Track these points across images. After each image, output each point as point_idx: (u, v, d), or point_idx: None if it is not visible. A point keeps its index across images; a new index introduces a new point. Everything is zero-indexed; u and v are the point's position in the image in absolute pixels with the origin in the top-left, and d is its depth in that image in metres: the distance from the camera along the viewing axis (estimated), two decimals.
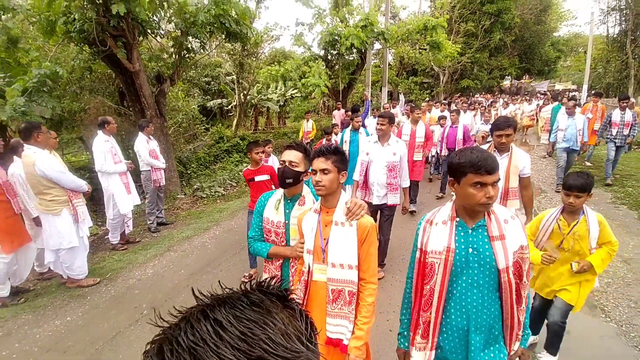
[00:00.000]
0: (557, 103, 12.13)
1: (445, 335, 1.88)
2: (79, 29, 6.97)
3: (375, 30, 13.16)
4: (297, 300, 0.62)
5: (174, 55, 8.69)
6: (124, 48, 7.33)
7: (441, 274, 1.81)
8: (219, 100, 17.30)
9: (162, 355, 0.49)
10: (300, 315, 0.58)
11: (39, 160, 4.28)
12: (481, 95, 24.01)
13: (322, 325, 2.11)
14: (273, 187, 4.63)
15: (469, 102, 15.56)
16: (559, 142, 8.13)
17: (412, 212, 6.95)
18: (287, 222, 2.46)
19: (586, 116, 8.87)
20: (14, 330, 3.99)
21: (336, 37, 13.04)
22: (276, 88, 17.09)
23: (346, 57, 14.29)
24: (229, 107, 17.44)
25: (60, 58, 8.45)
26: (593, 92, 13.91)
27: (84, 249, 4.80)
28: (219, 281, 0.67)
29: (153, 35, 8.17)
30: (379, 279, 3.98)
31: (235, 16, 7.91)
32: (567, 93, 26.12)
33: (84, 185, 4.68)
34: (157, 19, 7.82)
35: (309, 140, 11.81)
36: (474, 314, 1.78)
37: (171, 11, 7.86)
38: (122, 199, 5.84)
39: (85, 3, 6.74)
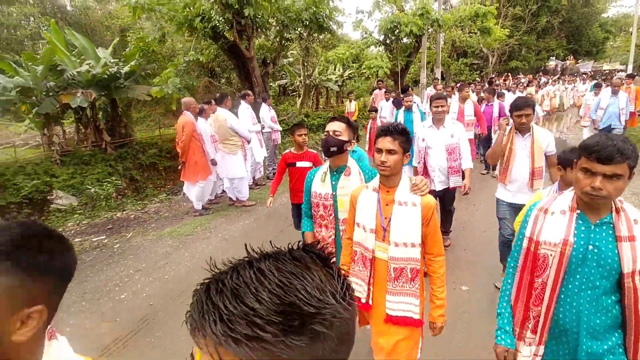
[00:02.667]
0: (594, 82, 13.21)
1: (552, 334, 1.77)
2: (213, 26, 9.24)
3: (431, 17, 14.66)
4: (336, 264, 0.65)
5: (276, 44, 10.89)
6: (246, 40, 9.57)
7: (555, 267, 1.69)
8: (284, 81, 19.47)
9: (209, 292, 0.55)
10: (338, 277, 0.60)
11: (229, 117, 6.62)
12: (525, 77, 24.85)
13: (382, 302, 2.17)
14: None
15: (511, 82, 16.75)
16: (600, 121, 8.08)
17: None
18: (334, 193, 2.52)
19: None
20: (217, 226, 6.38)
21: (396, 24, 14.71)
22: (335, 69, 18.99)
23: (404, 42, 15.84)
24: (292, 87, 19.57)
25: (190, 48, 10.82)
26: (626, 74, 14.75)
27: (247, 179, 7.13)
28: (270, 241, 0.76)
29: (262, 30, 10.38)
30: (446, 246, 4.24)
31: (327, 13, 9.99)
32: (614, 73, 26.50)
33: (249, 135, 6.99)
34: (267, 17, 10.00)
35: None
36: (586, 317, 1.65)
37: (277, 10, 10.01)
38: (257, 150, 8.10)
39: (222, 7, 8.97)
